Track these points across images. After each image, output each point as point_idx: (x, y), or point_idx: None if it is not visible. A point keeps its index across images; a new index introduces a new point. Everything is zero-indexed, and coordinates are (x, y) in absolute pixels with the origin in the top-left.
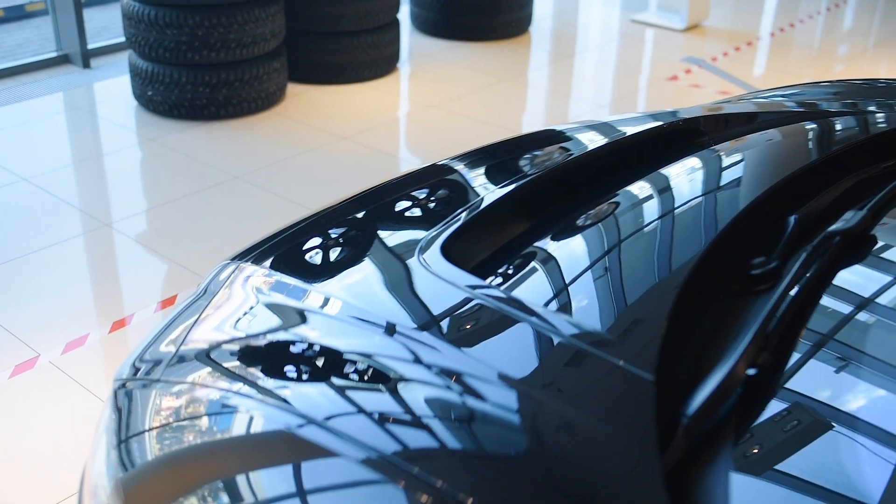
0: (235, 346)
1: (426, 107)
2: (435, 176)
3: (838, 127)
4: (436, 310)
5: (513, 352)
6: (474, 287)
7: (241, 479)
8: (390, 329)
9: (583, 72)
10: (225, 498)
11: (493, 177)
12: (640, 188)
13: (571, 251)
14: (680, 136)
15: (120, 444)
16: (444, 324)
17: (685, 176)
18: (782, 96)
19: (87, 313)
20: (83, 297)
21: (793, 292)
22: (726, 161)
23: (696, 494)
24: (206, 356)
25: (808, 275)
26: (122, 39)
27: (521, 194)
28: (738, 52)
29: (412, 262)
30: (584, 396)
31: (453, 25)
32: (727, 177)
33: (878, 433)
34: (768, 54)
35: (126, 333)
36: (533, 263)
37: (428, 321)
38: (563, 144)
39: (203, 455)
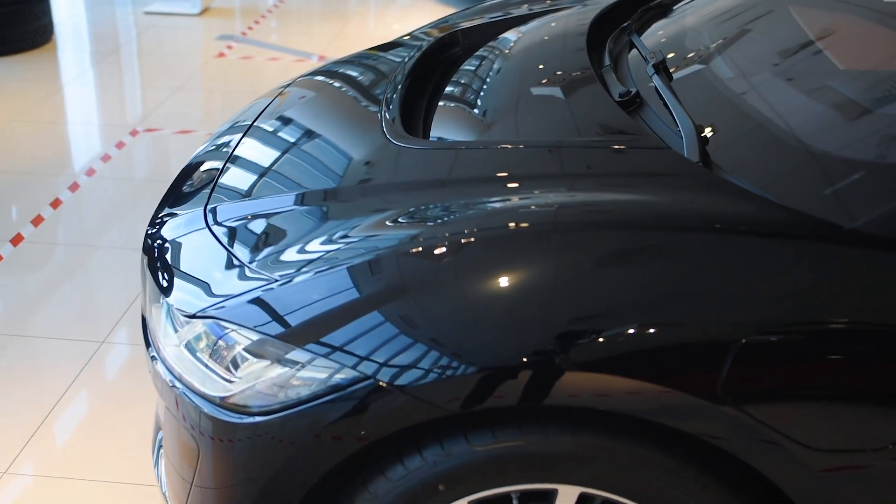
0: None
1: (7, 122)
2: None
3: (572, 10)
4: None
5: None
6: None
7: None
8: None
9: (137, 63)
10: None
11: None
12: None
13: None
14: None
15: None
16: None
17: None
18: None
19: None
20: None
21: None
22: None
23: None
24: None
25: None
26: None
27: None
28: (258, 25)
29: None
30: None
31: None
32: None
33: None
34: (285, 21)
35: None
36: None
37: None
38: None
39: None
